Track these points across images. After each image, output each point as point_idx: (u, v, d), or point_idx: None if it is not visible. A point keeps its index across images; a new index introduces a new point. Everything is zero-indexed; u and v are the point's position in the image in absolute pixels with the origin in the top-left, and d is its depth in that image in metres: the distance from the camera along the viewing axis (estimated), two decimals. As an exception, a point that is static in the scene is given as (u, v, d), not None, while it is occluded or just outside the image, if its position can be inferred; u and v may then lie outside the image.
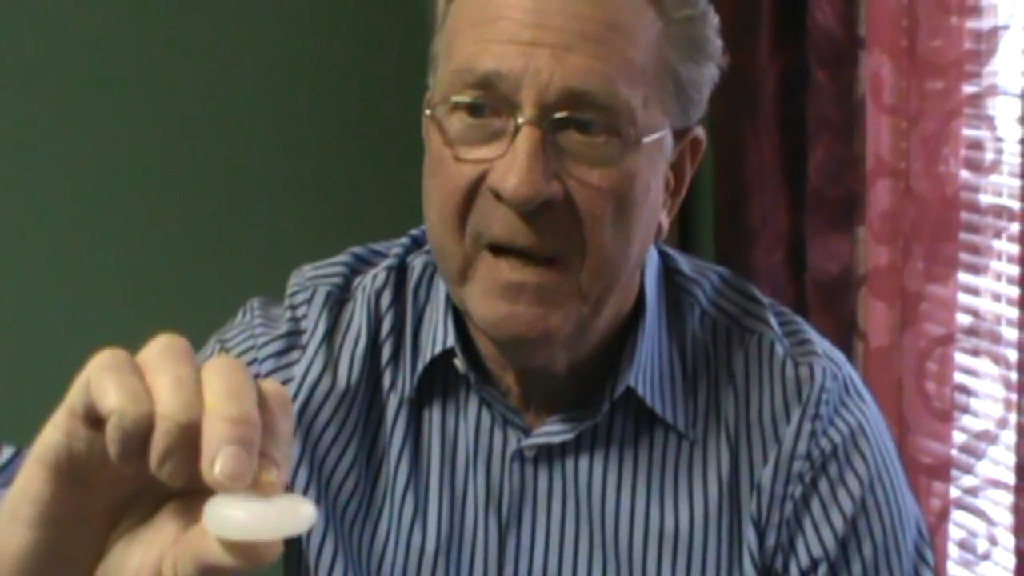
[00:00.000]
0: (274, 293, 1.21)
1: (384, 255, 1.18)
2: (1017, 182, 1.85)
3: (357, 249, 1.20)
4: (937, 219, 1.92)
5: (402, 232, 1.21)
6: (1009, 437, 1.90)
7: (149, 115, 2.50)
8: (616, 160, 0.99)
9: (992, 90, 1.88)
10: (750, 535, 1.08)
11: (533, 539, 1.10)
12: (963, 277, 1.96)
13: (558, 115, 0.97)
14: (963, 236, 1.94)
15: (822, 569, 1.08)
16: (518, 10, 0.98)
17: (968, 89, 1.89)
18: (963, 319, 1.97)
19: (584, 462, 1.10)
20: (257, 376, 1.10)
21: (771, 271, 2.24)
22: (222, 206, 2.58)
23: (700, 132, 1.08)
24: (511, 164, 0.96)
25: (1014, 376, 1.85)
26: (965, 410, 1.99)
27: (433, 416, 1.12)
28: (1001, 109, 1.89)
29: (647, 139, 1.00)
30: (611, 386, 1.08)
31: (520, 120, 0.97)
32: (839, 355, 1.15)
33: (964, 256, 1.95)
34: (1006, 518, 1.92)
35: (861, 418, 1.11)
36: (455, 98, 0.99)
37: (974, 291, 1.97)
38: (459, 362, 1.10)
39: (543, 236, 0.98)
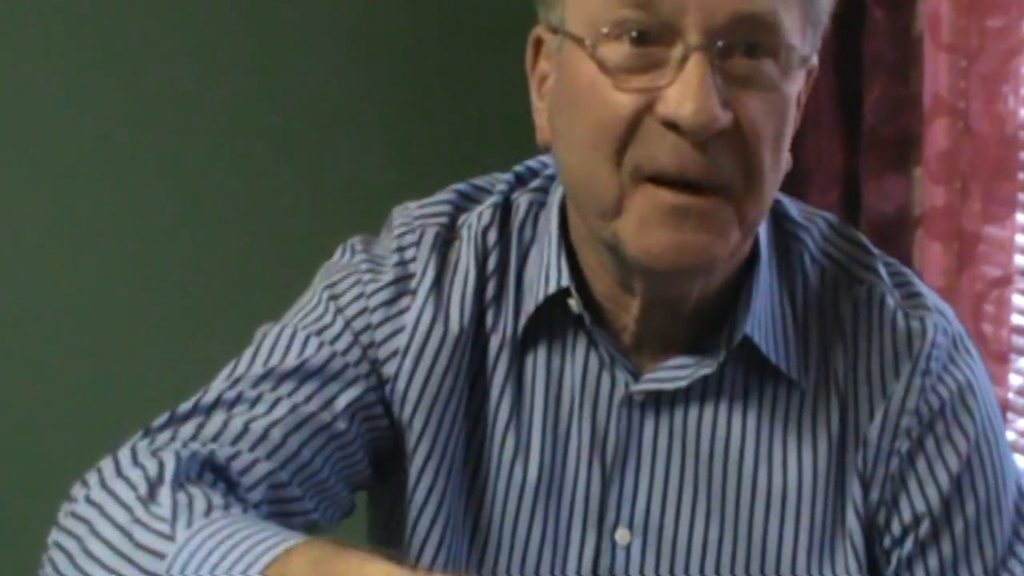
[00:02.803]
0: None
1: (488, 191, 1.16)
2: (1078, 121, 1.82)
3: (460, 186, 1.17)
4: (995, 159, 1.89)
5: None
6: (1067, 379, 1.88)
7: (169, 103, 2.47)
8: (778, 85, 0.98)
9: (1054, 27, 1.85)
10: (855, 490, 1.07)
11: (636, 486, 1.08)
12: (1021, 218, 1.93)
13: (725, 41, 0.95)
14: (1022, 176, 1.91)
15: (924, 526, 1.07)
16: None
17: (1029, 26, 1.86)
18: (1021, 260, 1.95)
19: (694, 410, 1.08)
20: (368, 327, 1.09)
21: (826, 211, 2.21)
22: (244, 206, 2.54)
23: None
24: (685, 91, 0.94)
25: (1073, 318, 1.83)
26: (1022, 352, 1.97)
27: (538, 358, 1.10)
28: (1063, 46, 1.85)
29: (799, 64, 0.99)
30: (727, 333, 1.06)
31: (688, 45, 0.94)
32: (949, 309, 1.13)
33: (1023, 196, 1.92)
34: (1063, 461, 1.91)
35: (969, 374, 1.09)
36: (615, 27, 0.96)
37: (1033, 232, 1.94)
38: (574, 302, 1.08)
39: (712, 165, 0.96)
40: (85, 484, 0.96)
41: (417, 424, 1.08)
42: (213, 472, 0.95)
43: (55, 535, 0.94)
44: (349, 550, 0.78)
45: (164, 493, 0.90)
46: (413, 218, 1.13)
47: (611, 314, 1.08)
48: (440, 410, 1.09)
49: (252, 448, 0.99)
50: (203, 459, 0.95)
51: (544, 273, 1.08)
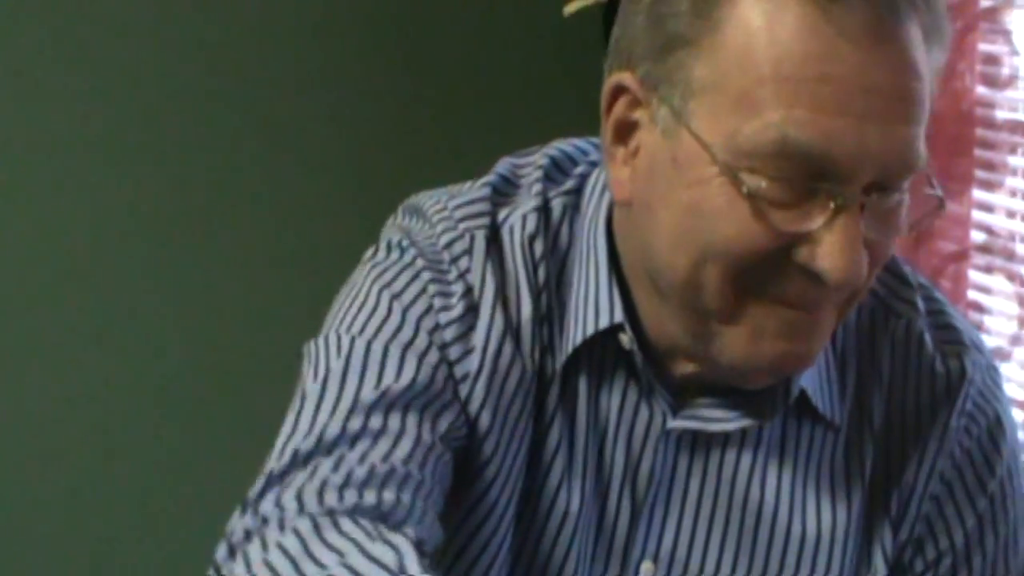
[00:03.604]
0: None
1: (514, 184, 1.07)
2: (1033, 97, 1.83)
3: (491, 178, 1.06)
4: (952, 135, 1.90)
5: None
6: (1023, 354, 1.90)
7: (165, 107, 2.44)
8: (904, 207, 0.93)
9: (1009, 3, 1.86)
10: (885, 532, 1.06)
11: (665, 522, 1.04)
12: (978, 194, 1.94)
13: (876, 193, 0.90)
14: (978, 152, 1.93)
15: (946, 562, 1.06)
16: (847, 67, 0.86)
17: (984, 2, 1.87)
18: (977, 236, 1.96)
19: (731, 453, 1.03)
20: (444, 344, 0.99)
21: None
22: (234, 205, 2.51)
23: None
24: (840, 250, 0.88)
25: (1028, 293, 1.84)
26: (979, 328, 1.98)
27: (580, 382, 1.03)
28: (1018, 23, 1.86)
29: None
30: (783, 388, 1.01)
31: (850, 196, 0.88)
32: (982, 341, 1.10)
33: (979, 173, 1.94)
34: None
35: (998, 407, 1.07)
36: (770, 168, 0.88)
37: (988, 208, 1.96)
38: (627, 338, 1.00)
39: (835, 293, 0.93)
40: (255, 563, 0.87)
41: (487, 449, 1.00)
42: (393, 529, 0.89)
43: None
44: None
45: None
46: (456, 220, 1.03)
47: (658, 347, 1.01)
48: (508, 436, 1.01)
49: (401, 487, 0.92)
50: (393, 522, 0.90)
51: (593, 303, 1.01)
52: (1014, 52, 1.88)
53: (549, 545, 1.03)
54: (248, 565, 0.86)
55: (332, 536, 0.86)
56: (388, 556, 0.83)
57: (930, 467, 1.05)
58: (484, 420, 1.00)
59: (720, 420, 1.01)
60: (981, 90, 1.91)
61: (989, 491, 1.06)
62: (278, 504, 0.90)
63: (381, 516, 0.89)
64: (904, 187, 0.91)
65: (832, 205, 0.88)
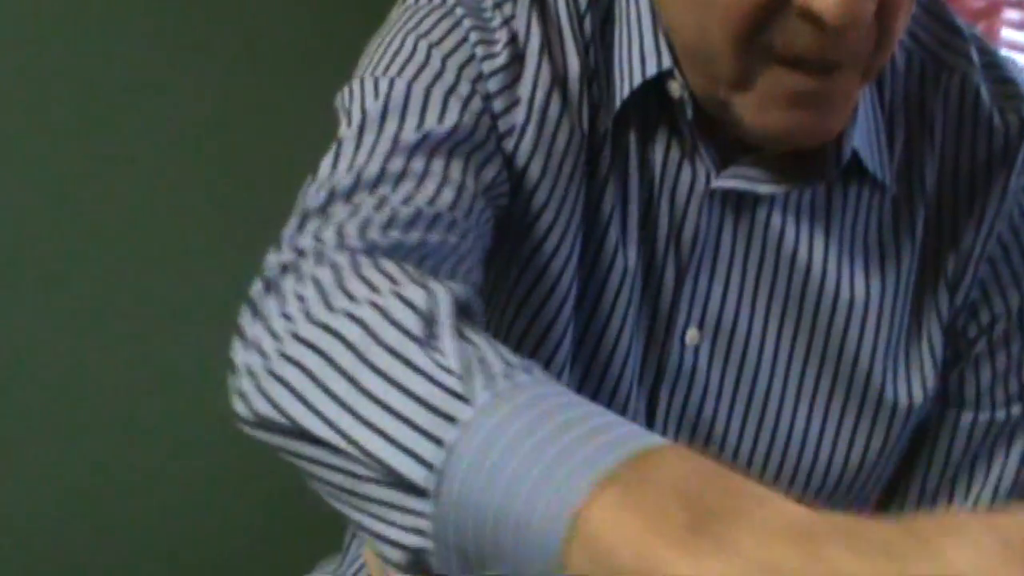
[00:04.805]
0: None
1: None
2: None
3: None
4: None
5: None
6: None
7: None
8: None
9: None
10: (941, 296, 1.03)
11: (710, 287, 1.00)
12: (1011, -56, 1.86)
13: None
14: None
15: (999, 328, 1.04)
16: None
17: None
18: (1008, -10, 1.89)
19: (777, 215, 1.00)
20: (488, 95, 0.96)
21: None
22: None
23: None
24: None
25: (1065, 47, 1.76)
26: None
27: (630, 141, 0.99)
28: None
29: None
30: (835, 149, 0.97)
31: None
32: None
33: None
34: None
35: None
36: None
37: (1023, -43, 1.87)
38: (677, 86, 0.96)
39: (851, 46, 0.88)
40: (286, 297, 0.81)
41: (537, 204, 0.97)
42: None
43: (271, 364, 0.77)
44: (738, 474, 0.62)
45: (446, 338, 0.73)
46: None
47: (701, 102, 0.97)
48: (561, 195, 0.97)
49: (447, 231, 0.89)
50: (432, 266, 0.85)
51: (639, 52, 0.97)
52: None
53: (606, 314, 0.99)
54: (281, 298, 0.81)
55: (369, 272, 0.80)
56: (420, 298, 0.76)
57: (988, 229, 1.02)
58: (533, 174, 0.97)
59: (767, 181, 0.98)
60: None
61: None
62: (317, 238, 0.85)
63: (423, 257, 0.85)
64: None
65: None
